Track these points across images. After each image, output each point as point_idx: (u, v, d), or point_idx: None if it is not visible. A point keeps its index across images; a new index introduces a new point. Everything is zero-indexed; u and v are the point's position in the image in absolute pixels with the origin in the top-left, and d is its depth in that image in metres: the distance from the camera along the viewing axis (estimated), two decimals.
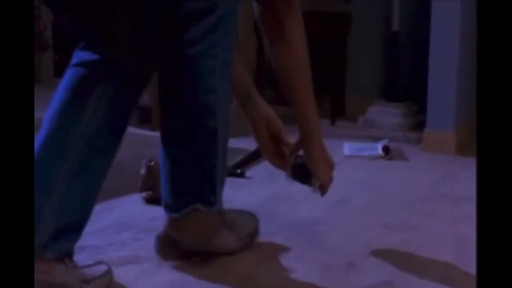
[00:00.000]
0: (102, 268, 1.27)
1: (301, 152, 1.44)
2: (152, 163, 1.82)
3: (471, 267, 1.24)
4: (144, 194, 1.81)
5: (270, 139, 1.49)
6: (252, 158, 2.26)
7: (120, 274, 1.31)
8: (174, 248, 1.37)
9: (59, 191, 1.17)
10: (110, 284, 1.26)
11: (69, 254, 1.22)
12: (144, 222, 1.64)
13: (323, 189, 1.45)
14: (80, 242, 1.44)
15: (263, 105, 1.50)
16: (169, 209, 1.37)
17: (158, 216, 1.69)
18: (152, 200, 1.78)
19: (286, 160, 1.48)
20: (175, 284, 1.30)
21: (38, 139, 1.19)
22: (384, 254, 1.46)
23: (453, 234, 1.62)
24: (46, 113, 1.23)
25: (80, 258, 1.28)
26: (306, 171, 1.43)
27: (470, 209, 1.46)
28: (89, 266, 1.27)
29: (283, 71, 1.39)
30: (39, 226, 1.15)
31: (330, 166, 1.45)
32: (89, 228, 1.57)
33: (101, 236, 1.54)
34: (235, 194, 1.86)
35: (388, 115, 2.99)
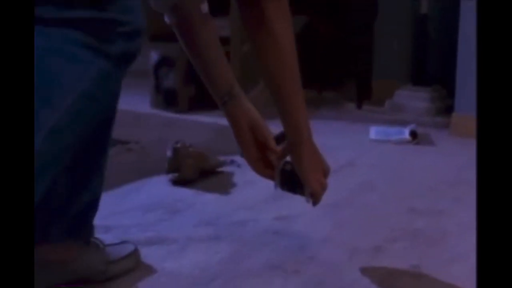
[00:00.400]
0: (129, 248, 1.28)
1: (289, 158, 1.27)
2: (179, 145, 1.83)
3: None
4: (170, 175, 1.82)
5: (255, 144, 1.28)
6: (278, 140, 2.26)
7: (146, 254, 1.32)
8: None
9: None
10: (137, 264, 1.28)
11: (90, 235, 1.23)
12: (170, 204, 1.66)
13: (314, 198, 1.27)
14: (107, 223, 1.46)
15: (247, 104, 1.29)
16: None
17: (184, 197, 1.70)
18: (178, 182, 1.80)
19: (273, 168, 1.29)
20: (201, 265, 1.30)
21: None
22: (411, 239, 1.45)
23: None
24: None
25: (106, 238, 1.29)
26: (297, 179, 1.25)
27: None
28: (114, 245, 1.28)
29: (268, 66, 1.16)
30: (55, 211, 1.15)
31: (324, 171, 1.27)
32: (116, 208, 1.60)
33: (127, 217, 1.55)
34: (258, 177, 1.86)
35: (415, 99, 2.95)
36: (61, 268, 1.18)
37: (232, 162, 1.98)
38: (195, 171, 1.83)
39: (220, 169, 1.93)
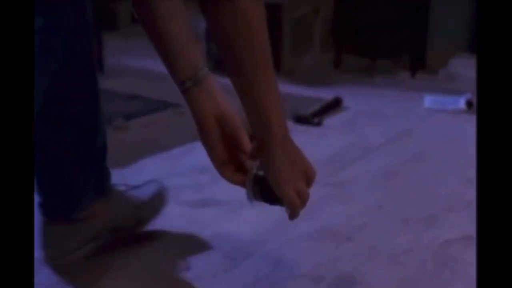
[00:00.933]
0: (152, 187, 1.27)
1: None
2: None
3: None
4: None
5: (222, 141, 1.00)
6: (330, 107, 2.25)
7: (199, 216, 1.34)
8: None
9: None
10: (164, 202, 1.28)
11: (110, 180, 1.21)
12: None
13: (290, 212, 0.99)
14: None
15: (216, 91, 1.02)
16: None
17: None
18: None
19: (245, 173, 1.02)
20: (253, 227, 1.31)
21: None
22: (465, 209, 1.43)
23: None
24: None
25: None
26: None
27: None
28: (139, 186, 1.28)
29: (231, 47, 0.89)
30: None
31: (308, 177, 1.00)
32: (169, 170, 1.61)
33: (181, 178, 1.57)
34: (313, 143, 1.85)
35: (471, 68, 2.88)
36: (89, 224, 1.17)
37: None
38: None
39: None
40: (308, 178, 1.00)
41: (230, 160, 1.02)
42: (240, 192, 1.47)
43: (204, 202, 1.43)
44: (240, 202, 1.42)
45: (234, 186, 1.52)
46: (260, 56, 0.90)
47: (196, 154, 1.76)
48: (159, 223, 1.28)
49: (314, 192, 1.50)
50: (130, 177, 1.55)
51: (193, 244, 1.24)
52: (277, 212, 1.38)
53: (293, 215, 1.00)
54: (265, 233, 1.29)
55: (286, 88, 2.49)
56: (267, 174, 0.96)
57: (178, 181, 1.54)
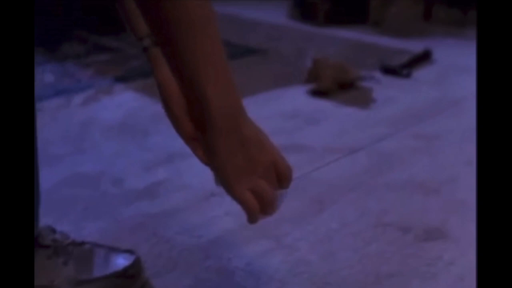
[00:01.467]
0: (120, 264, 0.93)
1: None
2: (319, 56, 1.82)
3: None
4: (309, 86, 1.81)
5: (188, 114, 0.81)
6: (419, 59, 2.19)
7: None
8: None
9: None
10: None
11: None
12: (309, 113, 1.66)
13: (248, 216, 0.75)
14: None
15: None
16: None
17: (322, 108, 1.70)
18: (317, 92, 1.79)
19: None
20: (339, 174, 1.30)
21: None
22: None
23: None
24: None
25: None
26: None
27: None
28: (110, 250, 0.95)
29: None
30: None
31: (278, 174, 0.77)
32: (256, 114, 1.61)
33: (267, 123, 1.56)
34: (401, 95, 1.81)
35: None
36: None
37: (371, 77, 1.94)
38: (334, 83, 1.80)
39: (359, 84, 1.90)
40: (280, 175, 0.77)
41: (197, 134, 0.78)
42: (326, 140, 1.48)
43: (290, 147, 1.43)
44: (326, 149, 1.42)
45: (321, 134, 1.53)
46: (195, 14, 0.67)
47: (282, 101, 1.76)
48: None
49: (401, 143, 1.48)
50: None
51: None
52: (366, 160, 1.37)
53: (250, 220, 0.76)
54: (352, 180, 1.28)
55: (374, 39, 2.44)
56: (212, 168, 0.74)
57: (264, 126, 1.54)
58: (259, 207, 0.75)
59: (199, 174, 1.26)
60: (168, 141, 1.40)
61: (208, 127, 0.71)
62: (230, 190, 0.74)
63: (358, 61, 2.06)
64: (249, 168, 0.74)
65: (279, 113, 1.65)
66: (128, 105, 1.72)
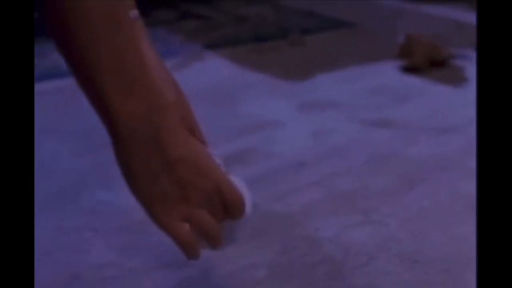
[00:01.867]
0: None
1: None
2: (412, 32, 1.78)
3: None
4: (400, 62, 1.78)
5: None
6: None
7: (373, 135, 1.32)
8: None
9: None
10: None
11: None
12: (400, 89, 1.63)
13: (182, 249, 0.64)
14: (335, 98, 1.48)
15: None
16: None
17: (413, 85, 1.66)
18: (408, 69, 1.76)
19: None
20: (432, 152, 1.28)
21: None
22: None
23: None
24: None
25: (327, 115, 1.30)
26: None
27: None
28: None
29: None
30: None
31: (224, 201, 0.64)
32: (345, 88, 1.61)
33: (356, 97, 1.56)
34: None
35: None
36: None
37: (464, 56, 1.88)
38: (426, 60, 1.76)
39: (451, 62, 1.84)
40: (227, 204, 0.64)
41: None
42: (417, 118, 1.44)
43: (380, 122, 1.41)
44: (416, 128, 1.39)
45: (411, 111, 1.49)
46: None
47: (372, 76, 1.74)
48: (342, 140, 1.29)
49: None
50: (307, 91, 1.56)
51: (366, 161, 1.23)
52: (458, 141, 1.34)
53: (187, 255, 0.64)
54: (444, 160, 1.25)
55: (470, 17, 2.36)
56: (132, 195, 0.61)
57: (353, 100, 1.53)
58: (196, 240, 0.64)
59: (289, 143, 1.27)
60: (260, 109, 1.41)
61: (114, 142, 0.59)
62: (153, 220, 0.62)
63: (451, 39, 2.00)
64: (179, 196, 0.61)
65: (369, 87, 1.63)
66: (219, 72, 1.73)
